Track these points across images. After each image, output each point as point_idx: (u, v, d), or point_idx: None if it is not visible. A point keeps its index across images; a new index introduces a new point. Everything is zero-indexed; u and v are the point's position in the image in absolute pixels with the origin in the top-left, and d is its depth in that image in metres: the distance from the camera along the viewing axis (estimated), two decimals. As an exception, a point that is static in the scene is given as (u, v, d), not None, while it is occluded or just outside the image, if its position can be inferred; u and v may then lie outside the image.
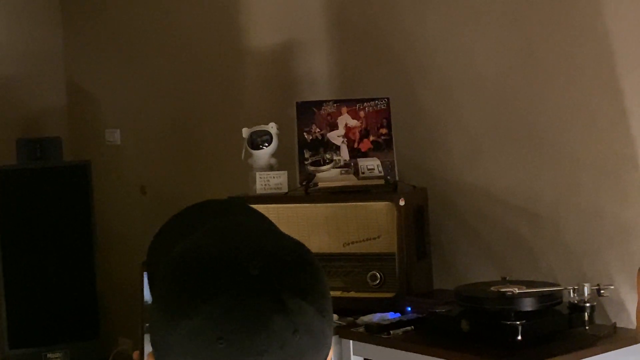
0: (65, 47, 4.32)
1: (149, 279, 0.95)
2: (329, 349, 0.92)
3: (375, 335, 2.40)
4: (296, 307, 0.87)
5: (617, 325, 2.38)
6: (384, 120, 2.77)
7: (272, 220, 1.01)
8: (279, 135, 2.92)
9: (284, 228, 0.98)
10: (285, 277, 0.89)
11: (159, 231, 1.00)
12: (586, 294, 2.27)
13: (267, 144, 2.91)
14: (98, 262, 3.92)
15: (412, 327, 2.42)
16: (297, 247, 0.93)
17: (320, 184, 2.75)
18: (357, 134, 2.78)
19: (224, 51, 3.55)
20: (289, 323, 0.86)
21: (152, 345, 0.90)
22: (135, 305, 0.98)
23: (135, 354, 0.94)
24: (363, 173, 2.75)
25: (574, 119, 2.58)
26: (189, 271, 0.89)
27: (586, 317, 2.26)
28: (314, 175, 2.76)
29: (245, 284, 0.87)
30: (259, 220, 1.02)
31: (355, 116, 2.79)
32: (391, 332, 2.39)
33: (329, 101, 2.83)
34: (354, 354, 2.45)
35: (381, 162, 2.74)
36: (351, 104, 2.80)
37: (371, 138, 2.78)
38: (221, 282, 0.87)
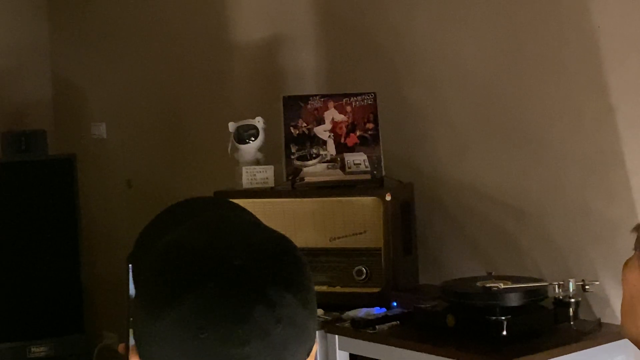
0: (51, 39, 4.31)
1: (133, 273, 0.96)
2: (313, 342, 0.93)
3: (361, 330, 2.41)
4: (279, 298, 0.88)
5: (602, 320, 2.39)
6: (371, 115, 2.78)
7: (258, 215, 1.02)
8: (265, 130, 2.92)
9: (270, 223, 0.98)
10: (269, 269, 0.89)
11: (145, 227, 1.00)
12: (571, 290, 2.28)
13: (253, 139, 2.90)
14: (83, 256, 3.91)
15: (398, 322, 2.42)
16: (281, 240, 0.94)
17: (307, 179, 2.75)
18: (344, 129, 2.78)
19: (211, 45, 3.54)
20: (271, 314, 0.87)
21: (135, 337, 0.91)
22: (120, 300, 0.99)
23: (121, 347, 0.94)
24: (349, 168, 2.75)
25: (560, 115, 2.59)
26: (172, 262, 0.90)
27: (571, 313, 2.27)
28: (301, 170, 2.76)
29: (229, 274, 0.88)
30: (243, 214, 1.02)
31: (342, 111, 2.79)
32: (377, 327, 2.40)
33: (316, 96, 2.83)
34: (339, 349, 2.45)
35: (368, 157, 2.74)
36: (338, 98, 2.80)
37: (358, 133, 2.78)
38: (204, 273, 0.88)
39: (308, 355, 0.92)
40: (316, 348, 0.94)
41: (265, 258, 0.90)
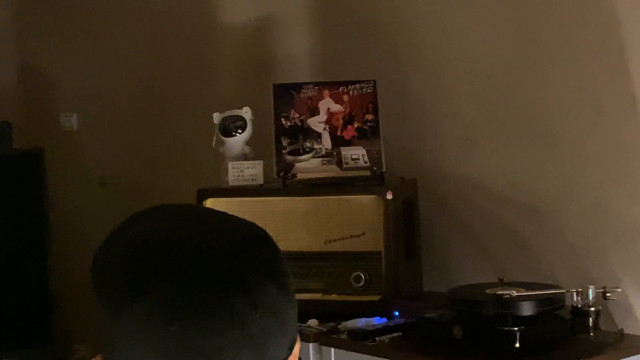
0: (17, 23, 4.28)
1: (95, 273, 0.95)
2: (294, 335, 0.93)
3: (359, 342, 2.40)
4: (256, 284, 0.88)
5: (625, 331, 2.40)
6: (370, 105, 2.77)
7: (245, 216, 1.03)
8: (253, 121, 2.91)
9: (258, 223, 0.99)
10: (244, 254, 0.90)
11: (110, 231, 1.01)
12: (591, 298, 2.28)
13: (240, 131, 2.90)
14: (52, 261, 3.89)
15: (400, 333, 2.42)
16: (254, 227, 0.95)
17: (299, 175, 2.74)
18: (341, 120, 2.78)
19: (194, 27, 3.53)
20: (248, 301, 0.87)
21: (103, 337, 0.91)
22: (94, 308, 0.98)
23: None
24: (347, 163, 2.74)
25: (578, 106, 2.59)
26: (139, 252, 0.90)
27: (590, 323, 2.27)
28: (293, 166, 2.76)
29: (198, 261, 0.88)
30: (215, 210, 1.04)
31: (338, 100, 2.79)
32: (377, 338, 2.40)
33: (310, 84, 2.83)
34: (335, 363, 2.45)
35: (367, 151, 2.74)
36: (334, 87, 2.80)
37: (356, 125, 2.77)
38: (171, 260, 0.89)
39: (290, 350, 0.92)
40: (299, 346, 0.95)
41: (237, 243, 0.91)
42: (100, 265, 0.94)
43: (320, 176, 2.74)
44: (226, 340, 0.86)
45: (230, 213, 0.97)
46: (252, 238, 0.93)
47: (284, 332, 0.90)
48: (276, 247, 0.94)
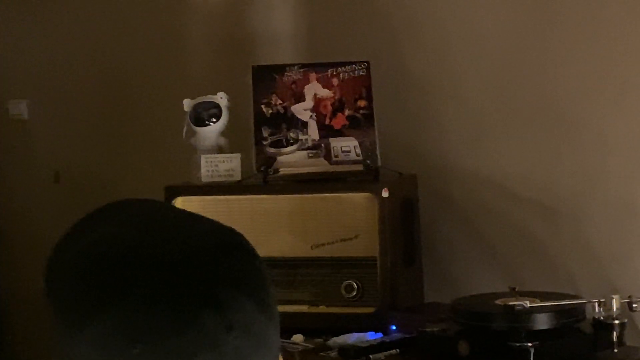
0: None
1: (48, 283, 0.95)
2: (275, 356, 0.93)
3: (351, 360, 2.40)
4: (229, 299, 0.88)
5: (653, 347, 2.41)
6: (363, 89, 2.78)
7: (221, 217, 1.03)
8: (229, 109, 2.91)
9: (236, 225, 0.98)
10: (214, 264, 0.90)
11: (65, 232, 1.01)
12: (615, 309, 2.29)
13: (214, 120, 2.90)
14: (-1, 269, 3.89)
15: (398, 350, 2.43)
16: (230, 232, 0.95)
17: (282, 171, 2.75)
18: (329, 107, 2.78)
19: (162, 1, 3.53)
20: (221, 319, 0.87)
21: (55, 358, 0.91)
22: (47, 323, 0.99)
23: None
24: (336, 156, 2.75)
25: (599, 91, 2.60)
26: (96, 263, 0.90)
27: (615, 338, 2.28)
28: (275, 159, 2.76)
29: (164, 274, 0.88)
30: (180, 209, 1.04)
31: (326, 85, 2.79)
32: (371, 356, 2.40)
33: (294, 65, 2.83)
34: (324, 385, 2.46)
35: (359, 142, 2.75)
36: (322, 69, 2.80)
37: (347, 112, 2.78)
38: (133, 273, 0.88)
39: None
40: None
41: (209, 252, 0.91)
42: (54, 275, 0.94)
43: (307, 171, 2.74)
44: None
45: (202, 214, 0.97)
46: (227, 246, 0.93)
47: (264, 354, 0.90)
48: (255, 256, 0.94)
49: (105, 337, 0.86)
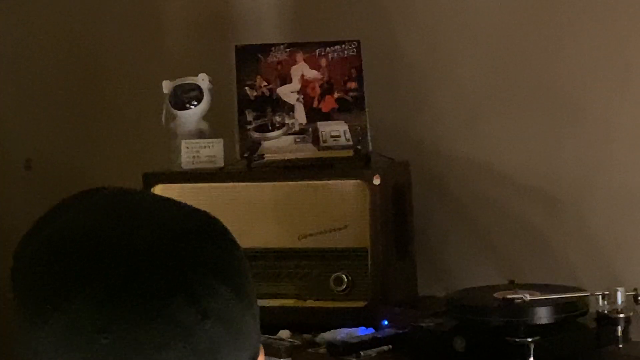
0: None
1: (12, 273, 0.95)
2: (255, 349, 0.92)
3: (340, 357, 2.40)
4: (203, 286, 0.88)
5: (660, 343, 2.41)
6: (353, 71, 2.78)
7: (203, 205, 1.03)
8: (212, 91, 2.91)
9: (218, 214, 0.98)
10: (187, 250, 0.90)
11: (34, 222, 1.01)
12: (620, 302, 2.29)
13: (195, 103, 2.90)
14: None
15: (390, 346, 2.43)
16: (205, 216, 0.95)
17: (268, 156, 2.74)
18: (317, 90, 2.78)
19: (138, -23, 3.52)
20: (194, 306, 0.87)
21: (18, 354, 0.90)
22: (10, 318, 0.98)
23: None
24: (325, 142, 2.75)
25: (603, 72, 2.61)
26: (61, 250, 0.90)
27: (619, 333, 2.28)
28: (260, 145, 2.76)
29: (134, 260, 0.88)
30: (156, 195, 1.05)
31: (314, 65, 2.79)
32: (362, 353, 2.40)
33: (280, 45, 2.83)
34: (312, 383, 2.46)
35: (349, 127, 2.75)
36: (309, 49, 2.80)
37: (336, 95, 2.78)
38: (102, 260, 0.88)
39: None
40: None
41: (182, 236, 0.91)
42: (19, 267, 0.94)
43: (293, 157, 2.74)
44: (169, 355, 0.86)
45: (181, 201, 0.97)
46: (201, 230, 0.93)
47: (241, 345, 0.90)
48: (231, 241, 0.94)
49: (71, 327, 0.86)
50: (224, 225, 0.95)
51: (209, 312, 0.87)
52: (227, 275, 0.90)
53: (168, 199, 0.97)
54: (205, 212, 0.96)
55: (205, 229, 0.93)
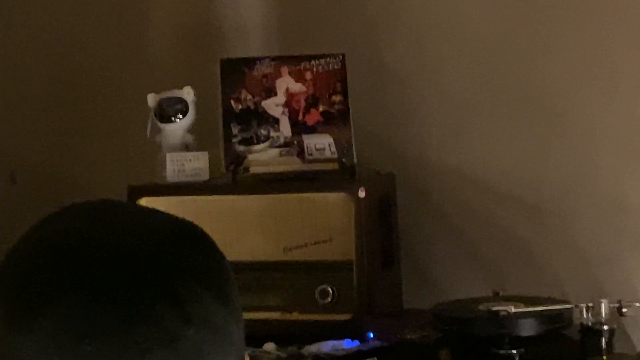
0: None
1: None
2: (242, 355, 0.93)
3: (326, 370, 2.42)
4: (187, 291, 0.89)
5: (644, 353, 2.43)
6: (338, 84, 2.78)
7: (189, 217, 1.04)
8: (197, 104, 2.91)
9: (204, 227, 0.99)
10: (171, 255, 0.91)
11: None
12: (604, 314, 2.31)
13: (180, 116, 2.90)
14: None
15: (376, 358, 2.43)
16: (188, 224, 0.96)
17: (253, 169, 2.75)
18: (302, 103, 2.79)
19: (123, -11, 3.52)
20: (178, 311, 0.87)
21: None
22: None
23: None
24: (310, 154, 2.75)
25: (589, 80, 2.61)
26: (42, 260, 0.90)
27: (603, 344, 2.29)
28: (245, 158, 2.76)
29: (117, 265, 0.89)
30: (139, 205, 1.06)
31: (299, 78, 2.80)
32: (348, 365, 2.41)
33: (265, 58, 2.83)
34: (298, 396, 2.47)
35: (334, 139, 2.75)
36: (294, 62, 2.80)
37: (321, 108, 2.78)
38: (84, 266, 0.89)
39: None
40: None
41: (165, 243, 0.92)
42: (6, 272, 0.94)
43: (278, 170, 2.74)
44: None
45: (165, 212, 0.98)
46: (185, 237, 0.93)
47: (226, 351, 0.90)
48: (215, 248, 0.95)
49: (52, 333, 0.87)
50: (205, 232, 0.96)
51: (193, 317, 0.88)
52: (211, 281, 0.91)
53: (153, 209, 0.98)
54: (189, 220, 0.96)
55: (189, 236, 0.94)
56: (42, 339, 0.87)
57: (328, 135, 2.76)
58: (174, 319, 0.87)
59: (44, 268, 0.90)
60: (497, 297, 2.42)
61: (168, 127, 2.90)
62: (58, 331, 0.86)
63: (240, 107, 2.80)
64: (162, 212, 0.97)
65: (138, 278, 0.88)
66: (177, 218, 0.96)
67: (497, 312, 2.29)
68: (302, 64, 2.80)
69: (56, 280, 0.88)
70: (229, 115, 2.79)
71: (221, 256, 0.95)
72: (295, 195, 2.69)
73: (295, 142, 2.76)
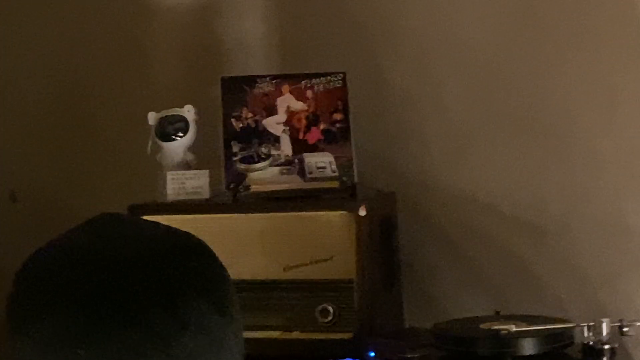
0: None
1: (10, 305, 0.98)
2: None
3: (327, 389, 2.42)
4: (182, 297, 0.91)
5: (646, 374, 2.43)
6: (339, 102, 2.79)
7: None
8: (197, 123, 2.92)
9: None
10: (167, 264, 0.93)
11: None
12: (605, 333, 2.31)
13: (181, 134, 2.90)
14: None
15: (376, 378, 2.43)
16: (187, 235, 0.98)
17: (254, 188, 2.75)
18: (303, 121, 2.79)
19: (124, 7, 3.53)
20: (173, 316, 0.90)
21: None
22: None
23: None
24: (311, 173, 2.76)
25: (590, 102, 2.62)
26: (43, 269, 0.93)
27: (605, 364, 2.30)
28: (245, 176, 2.77)
29: (116, 271, 0.91)
30: (142, 219, 1.07)
31: (300, 97, 2.80)
32: (348, 385, 2.41)
33: (266, 77, 2.84)
34: (298, 415, 2.47)
35: (335, 158, 2.75)
36: (295, 80, 2.81)
37: (322, 126, 2.79)
38: (81, 274, 0.91)
39: None
40: None
41: (162, 253, 0.94)
42: (17, 284, 0.97)
43: (279, 188, 2.74)
44: None
45: (169, 225, 1.01)
46: (182, 247, 0.96)
47: (221, 359, 0.92)
48: (214, 259, 0.96)
49: (49, 338, 0.88)
50: (207, 245, 0.98)
51: (188, 323, 0.89)
52: (209, 291, 0.93)
53: (155, 222, 1.00)
54: (188, 232, 0.99)
55: (188, 246, 0.97)
56: (38, 345, 0.88)
57: (329, 154, 2.76)
58: (167, 324, 0.89)
59: (46, 278, 0.92)
60: (498, 317, 2.42)
61: (169, 146, 2.90)
62: (53, 337, 0.88)
63: (241, 125, 2.80)
64: (163, 225, 0.99)
65: (134, 285, 0.90)
66: (177, 230, 0.98)
67: (499, 331, 2.30)
68: (303, 82, 2.80)
69: (52, 287, 0.90)
70: (230, 134, 2.79)
71: (221, 267, 0.96)
72: (295, 213, 2.69)
73: (296, 160, 2.77)
